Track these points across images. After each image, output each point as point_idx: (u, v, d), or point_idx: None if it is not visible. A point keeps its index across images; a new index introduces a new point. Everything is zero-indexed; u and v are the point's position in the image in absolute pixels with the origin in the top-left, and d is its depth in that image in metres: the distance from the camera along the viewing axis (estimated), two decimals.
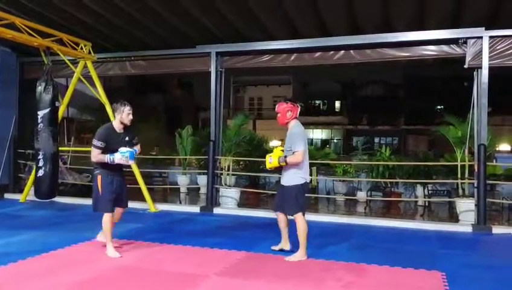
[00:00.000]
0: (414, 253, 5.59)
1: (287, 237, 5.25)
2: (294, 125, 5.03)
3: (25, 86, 10.22)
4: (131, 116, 4.96)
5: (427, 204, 9.94)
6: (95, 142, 4.78)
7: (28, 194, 8.94)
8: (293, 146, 4.88)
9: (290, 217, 5.11)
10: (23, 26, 7.05)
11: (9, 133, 10.06)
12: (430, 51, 7.92)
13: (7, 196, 9.81)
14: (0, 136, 9.93)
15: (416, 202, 10.29)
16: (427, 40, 7.76)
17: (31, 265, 4.52)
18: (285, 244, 5.27)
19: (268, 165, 5.11)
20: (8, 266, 4.43)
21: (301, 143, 4.87)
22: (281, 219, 5.17)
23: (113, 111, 4.93)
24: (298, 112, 5.07)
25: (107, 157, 4.78)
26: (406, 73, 26.28)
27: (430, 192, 9.98)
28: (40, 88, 6.73)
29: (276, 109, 5.08)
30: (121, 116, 4.86)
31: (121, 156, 4.81)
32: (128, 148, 4.88)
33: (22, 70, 10.64)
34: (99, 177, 4.86)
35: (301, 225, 4.94)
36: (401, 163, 10.21)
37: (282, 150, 5.04)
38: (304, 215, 5.00)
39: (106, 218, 4.87)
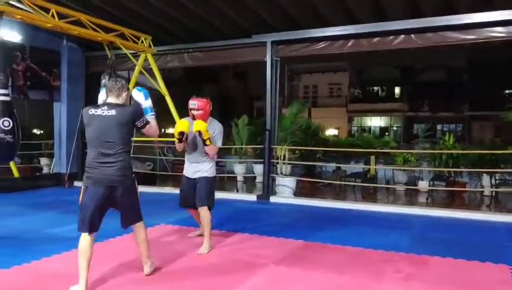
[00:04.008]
0: (480, 245, 5.34)
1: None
2: (216, 121, 4.88)
3: (91, 79, 10.76)
4: None
5: (494, 194, 9.43)
6: (144, 119, 3.69)
7: None
8: (217, 140, 4.73)
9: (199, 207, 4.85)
10: (88, 22, 7.42)
11: (78, 124, 10.64)
12: (498, 32, 7.43)
13: (76, 183, 10.40)
14: (69, 128, 10.54)
15: (482, 192, 9.78)
16: (495, 22, 7.29)
17: (100, 249, 4.76)
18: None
19: (197, 126, 4.46)
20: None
21: (221, 141, 4.82)
22: (196, 212, 4.99)
23: (115, 89, 3.66)
24: None
25: (154, 119, 3.88)
26: (470, 56, 24.86)
27: (497, 182, 9.46)
28: (104, 81, 7.07)
29: (197, 106, 4.63)
30: (127, 97, 3.78)
31: (146, 97, 3.93)
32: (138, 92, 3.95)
33: (87, 64, 11.19)
34: (135, 182, 3.77)
35: (207, 217, 4.80)
36: (466, 151, 9.72)
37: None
38: (210, 209, 4.87)
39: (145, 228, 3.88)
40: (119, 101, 3.67)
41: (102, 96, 4.05)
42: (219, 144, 4.78)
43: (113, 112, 3.53)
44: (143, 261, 3.89)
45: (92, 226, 3.53)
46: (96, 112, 3.56)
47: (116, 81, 3.72)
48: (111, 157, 3.52)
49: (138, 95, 3.93)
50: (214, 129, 4.73)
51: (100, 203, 3.55)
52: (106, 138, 3.52)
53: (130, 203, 3.72)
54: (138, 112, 3.70)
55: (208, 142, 4.51)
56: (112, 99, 3.66)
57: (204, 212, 4.80)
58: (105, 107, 3.57)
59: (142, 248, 3.85)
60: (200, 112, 4.66)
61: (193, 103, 4.66)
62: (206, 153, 4.73)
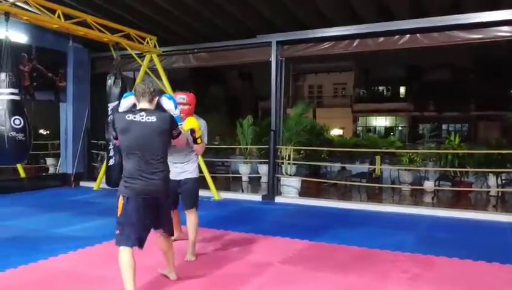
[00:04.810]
0: (486, 245, 5.32)
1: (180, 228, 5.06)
2: (199, 118, 4.42)
3: (96, 80, 10.80)
4: None
5: (500, 194, 9.38)
6: (178, 128, 3.62)
7: (101, 182, 9.52)
8: (203, 137, 4.30)
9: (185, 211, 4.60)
10: (94, 23, 7.44)
11: (83, 125, 10.70)
12: (505, 32, 7.39)
13: (82, 183, 10.46)
14: (75, 128, 10.59)
15: (488, 192, 9.74)
16: (501, 21, 7.25)
17: (106, 249, 4.81)
18: (184, 236, 4.94)
19: (190, 123, 3.97)
20: (85, 249, 4.75)
21: (206, 137, 4.46)
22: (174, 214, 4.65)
23: (148, 93, 3.43)
24: None
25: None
26: (477, 56, 24.74)
27: (503, 182, 9.40)
28: (110, 82, 7.11)
29: (186, 100, 4.33)
30: (156, 103, 3.61)
31: (176, 106, 3.90)
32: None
33: (93, 65, 11.23)
34: None
35: (197, 220, 4.54)
36: (472, 151, 9.67)
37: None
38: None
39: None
40: (152, 106, 3.46)
41: (127, 102, 3.72)
42: (205, 140, 4.41)
43: (153, 119, 3.33)
44: (169, 269, 3.82)
45: (140, 240, 3.35)
46: (134, 117, 3.31)
47: (148, 85, 3.47)
48: (154, 166, 3.34)
49: (168, 104, 3.80)
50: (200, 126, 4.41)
51: (145, 214, 3.34)
52: (148, 146, 3.32)
53: (168, 212, 3.66)
54: (175, 120, 3.53)
55: (199, 141, 4.11)
56: (144, 105, 3.41)
57: (194, 215, 4.55)
58: (143, 113, 3.33)
59: (171, 256, 3.78)
60: (188, 106, 4.37)
61: (182, 97, 4.33)
62: (191, 152, 4.48)
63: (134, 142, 3.30)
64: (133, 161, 3.31)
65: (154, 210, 3.41)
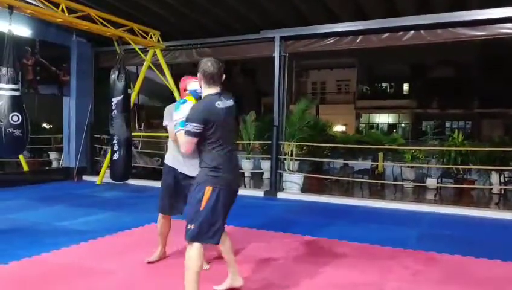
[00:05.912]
0: (488, 243, 5.32)
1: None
2: None
3: (100, 74, 10.81)
4: None
5: (502, 192, 9.37)
6: None
7: (104, 176, 9.55)
8: None
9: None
10: (98, 17, 7.44)
11: (86, 119, 10.72)
12: (509, 28, 7.36)
13: (85, 178, 10.49)
14: (78, 122, 10.62)
15: (490, 189, 9.73)
16: (506, 18, 7.21)
17: (109, 243, 4.84)
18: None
19: None
20: (88, 242, 4.77)
21: None
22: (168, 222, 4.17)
23: (221, 71, 3.01)
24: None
25: None
26: (480, 53, 24.65)
27: (506, 179, 9.39)
28: (113, 76, 7.12)
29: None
30: None
31: None
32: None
33: (97, 59, 11.23)
34: None
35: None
36: (475, 149, 9.65)
37: None
38: None
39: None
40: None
41: (188, 106, 3.04)
42: None
43: (231, 103, 2.99)
44: (233, 273, 3.51)
45: (220, 236, 3.00)
46: (220, 104, 2.89)
47: (219, 62, 2.99)
48: (234, 154, 3.06)
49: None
50: None
51: (229, 207, 3.05)
52: (231, 133, 3.04)
53: None
54: None
55: None
56: (217, 88, 2.97)
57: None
58: (223, 98, 2.93)
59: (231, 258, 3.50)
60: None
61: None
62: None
63: (222, 132, 2.90)
64: (222, 152, 2.90)
65: (233, 203, 3.12)
